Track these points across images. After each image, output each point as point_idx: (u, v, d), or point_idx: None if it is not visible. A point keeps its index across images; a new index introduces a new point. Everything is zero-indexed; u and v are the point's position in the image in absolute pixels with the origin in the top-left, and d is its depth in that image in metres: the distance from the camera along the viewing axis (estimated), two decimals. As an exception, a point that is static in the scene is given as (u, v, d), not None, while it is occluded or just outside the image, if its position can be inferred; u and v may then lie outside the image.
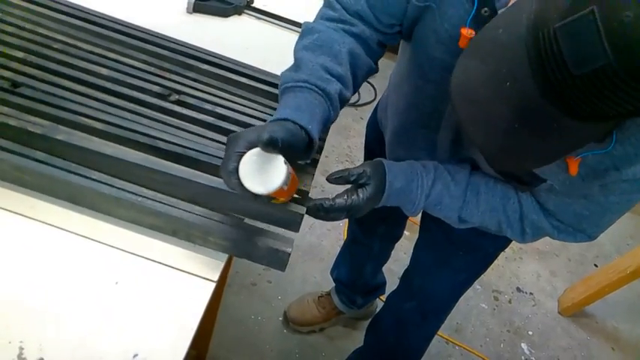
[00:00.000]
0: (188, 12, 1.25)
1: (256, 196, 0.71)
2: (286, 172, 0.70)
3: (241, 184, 0.70)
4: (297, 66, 0.86)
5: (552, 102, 0.56)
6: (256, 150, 0.70)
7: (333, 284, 1.93)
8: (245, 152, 0.71)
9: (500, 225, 0.96)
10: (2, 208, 0.79)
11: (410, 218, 1.65)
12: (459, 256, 1.27)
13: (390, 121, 1.19)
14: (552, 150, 0.66)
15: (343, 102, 0.88)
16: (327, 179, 0.91)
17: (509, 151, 0.66)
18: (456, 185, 0.95)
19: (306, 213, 0.86)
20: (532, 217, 0.93)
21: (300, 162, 0.90)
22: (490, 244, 1.23)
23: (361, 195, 0.88)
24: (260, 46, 1.21)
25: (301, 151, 0.79)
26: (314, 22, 0.92)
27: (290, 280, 2.09)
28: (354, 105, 2.90)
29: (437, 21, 0.83)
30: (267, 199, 0.73)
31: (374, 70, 0.97)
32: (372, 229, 1.62)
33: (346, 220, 1.89)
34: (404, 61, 1.04)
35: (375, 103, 1.43)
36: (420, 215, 1.35)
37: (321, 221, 2.23)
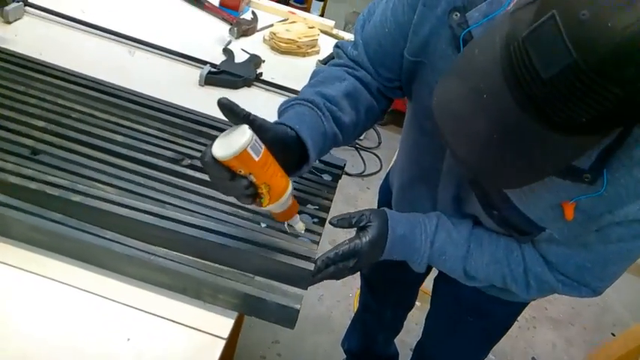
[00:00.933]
0: (200, 85, 1.32)
1: (234, 177, 0.70)
2: (250, 135, 0.69)
3: (212, 159, 0.69)
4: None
5: (528, 111, 0.59)
6: (228, 129, 0.72)
7: (344, 356, 1.89)
8: None
9: (505, 279, 0.96)
10: (16, 267, 0.81)
11: (422, 288, 1.64)
12: (471, 323, 1.25)
13: (396, 180, 1.22)
14: (535, 165, 0.66)
15: (341, 125, 0.89)
16: (329, 222, 0.93)
17: (493, 166, 0.67)
18: (459, 233, 0.96)
19: (316, 275, 0.87)
20: (536, 269, 0.93)
21: (302, 174, 0.87)
22: (501, 310, 1.21)
23: (364, 238, 0.90)
24: (268, 113, 1.26)
25: (294, 150, 0.80)
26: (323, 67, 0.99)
27: (299, 352, 2.06)
28: (360, 175, 2.94)
29: (429, 74, 0.88)
30: (246, 184, 0.71)
31: (377, 114, 1.00)
32: (384, 296, 1.61)
33: (357, 290, 1.88)
34: (406, 119, 1.09)
35: (381, 173, 1.48)
36: (431, 284, 1.36)
37: (330, 292, 2.21)
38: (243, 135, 0.69)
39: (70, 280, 0.81)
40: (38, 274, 0.81)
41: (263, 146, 0.72)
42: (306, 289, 0.88)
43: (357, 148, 3.07)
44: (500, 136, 0.62)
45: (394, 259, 0.96)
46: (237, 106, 0.71)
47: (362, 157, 3.03)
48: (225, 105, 0.70)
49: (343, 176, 1.17)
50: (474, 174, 0.73)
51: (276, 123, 0.81)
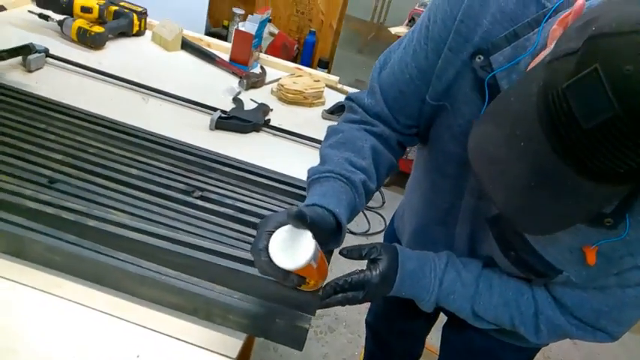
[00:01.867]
0: (211, 129, 1.37)
1: (287, 276, 0.72)
2: (314, 247, 0.71)
3: (271, 262, 0.71)
4: (323, 161, 0.92)
5: (565, 159, 0.59)
6: (286, 227, 0.72)
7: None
8: (274, 231, 0.73)
9: (513, 320, 0.94)
10: (31, 287, 0.82)
11: (427, 346, 1.62)
12: None
13: (407, 224, 1.22)
14: (569, 211, 0.66)
15: (368, 193, 0.92)
16: (339, 253, 0.93)
17: (527, 210, 0.68)
18: (468, 272, 0.95)
19: (324, 300, 0.87)
20: (548, 312, 0.91)
21: (331, 249, 0.91)
22: (511, 357, 1.18)
23: (374, 271, 0.90)
24: (275, 155, 1.30)
25: (329, 234, 0.81)
26: (338, 124, 1.00)
27: (305, 410, 2.01)
28: (364, 234, 2.95)
29: (451, 118, 0.89)
30: (298, 281, 0.74)
31: (395, 167, 1.02)
32: (390, 348, 1.59)
33: (362, 349, 1.85)
34: (420, 164, 1.09)
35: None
36: (437, 342, 1.34)
37: (335, 350, 2.17)
38: (308, 248, 0.70)
39: (84, 300, 0.82)
40: (53, 293, 0.82)
41: (320, 251, 0.74)
42: (314, 314, 0.88)
43: (361, 208, 3.09)
44: (537, 183, 0.63)
45: (402, 296, 0.95)
46: (306, 215, 0.72)
47: (366, 217, 3.05)
48: (296, 216, 0.70)
49: (348, 235, 1.18)
50: (509, 218, 0.72)
51: (314, 203, 0.82)
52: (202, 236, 0.93)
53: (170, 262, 0.86)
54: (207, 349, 0.80)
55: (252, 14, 1.72)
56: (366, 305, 1.58)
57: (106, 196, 0.96)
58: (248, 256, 0.88)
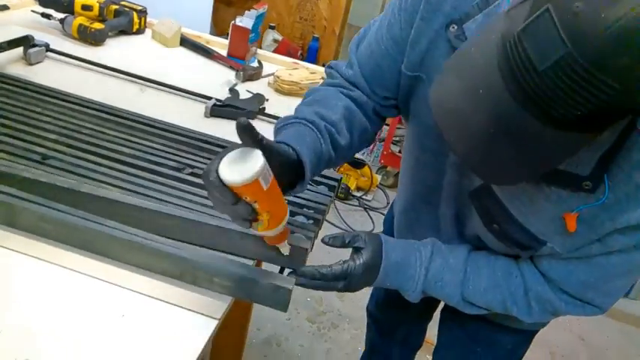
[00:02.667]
0: (206, 116, 1.39)
1: (237, 202, 0.68)
2: (263, 164, 0.67)
3: (219, 182, 0.66)
4: (293, 115, 0.92)
5: (525, 105, 0.60)
6: (238, 149, 0.69)
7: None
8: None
9: (505, 303, 0.94)
10: (23, 253, 0.84)
11: (427, 339, 1.62)
12: (478, 354, 1.23)
13: (397, 204, 1.23)
14: (531, 160, 0.67)
15: (336, 146, 0.90)
16: (322, 240, 0.92)
17: (489, 160, 0.68)
18: (455, 259, 0.95)
19: (302, 278, 0.86)
20: (537, 288, 0.91)
21: (297, 193, 0.87)
22: (509, 340, 1.19)
23: (357, 261, 0.89)
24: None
25: (292, 170, 0.79)
26: (316, 87, 1.01)
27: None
28: (370, 234, 2.96)
29: (427, 90, 0.86)
30: (249, 210, 0.70)
31: (370, 136, 1.02)
32: (391, 335, 1.59)
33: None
34: (406, 139, 1.10)
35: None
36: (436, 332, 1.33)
37: (338, 346, 2.18)
38: (256, 163, 0.67)
39: (74, 266, 0.84)
40: (45, 260, 0.84)
41: (272, 175, 0.70)
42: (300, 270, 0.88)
43: (365, 209, 3.11)
44: (497, 131, 0.63)
45: (387, 287, 0.95)
46: (254, 128, 0.69)
47: (371, 218, 3.06)
48: (244, 125, 0.67)
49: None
50: (472, 169, 0.73)
51: (277, 141, 0.81)
52: (190, 209, 0.95)
53: (157, 225, 0.88)
54: (192, 311, 0.82)
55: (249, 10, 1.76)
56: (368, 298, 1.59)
57: (98, 172, 0.99)
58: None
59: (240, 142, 0.70)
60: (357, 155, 3.20)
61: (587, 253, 0.84)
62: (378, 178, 3.27)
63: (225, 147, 1.16)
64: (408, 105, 0.97)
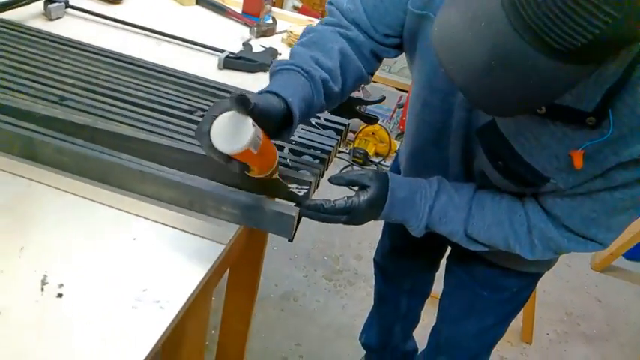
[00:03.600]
0: (219, 68, 1.43)
1: (229, 161, 0.72)
2: (253, 133, 0.70)
3: (212, 146, 0.71)
4: (289, 57, 0.93)
5: (524, 36, 0.62)
6: (229, 113, 0.72)
7: (364, 352, 1.89)
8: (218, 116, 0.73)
9: (508, 240, 0.95)
10: (45, 184, 0.90)
11: (432, 293, 1.65)
12: (484, 298, 1.26)
13: (405, 148, 1.24)
14: (531, 92, 0.68)
15: (329, 93, 0.92)
16: (328, 180, 0.95)
17: (489, 91, 0.69)
18: (460, 197, 0.97)
19: (306, 211, 0.89)
20: (540, 226, 0.93)
21: (283, 141, 0.92)
22: (514, 283, 1.22)
23: (362, 197, 0.91)
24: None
25: (280, 121, 0.81)
26: (315, 25, 1.02)
27: (322, 357, 2.06)
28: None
29: None
30: (240, 166, 0.74)
31: (365, 78, 1.03)
32: (398, 285, 1.63)
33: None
34: (415, 84, 1.10)
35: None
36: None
37: (354, 301, 2.22)
38: (246, 133, 0.70)
39: (90, 195, 0.89)
40: (63, 189, 0.89)
41: (261, 137, 0.74)
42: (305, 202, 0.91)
43: (383, 173, 3.11)
44: (498, 62, 0.64)
45: (391, 221, 0.98)
46: (248, 99, 0.70)
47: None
48: (238, 98, 0.69)
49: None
50: (471, 100, 0.74)
51: (270, 90, 0.83)
52: (199, 146, 0.98)
53: (169, 159, 0.93)
54: (200, 236, 0.86)
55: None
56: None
57: (113, 112, 1.03)
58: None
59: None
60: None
61: (591, 189, 0.86)
62: (397, 144, 3.28)
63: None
64: (415, 45, 0.98)
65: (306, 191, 0.92)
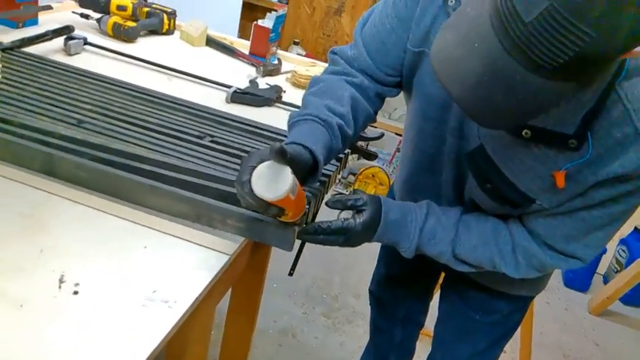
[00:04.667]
0: (227, 102, 1.51)
1: (267, 207, 0.81)
2: (292, 181, 0.79)
3: (253, 193, 0.79)
4: (304, 107, 1.01)
5: (512, 53, 0.69)
6: (267, 163, 0.80)
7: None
8: (257, 166, 0.81)
9: (494, 259, 1.01)
10: (63, 197, 0.95)
11: (423, 330, 1.69)
12: (476, 321, 1.30)
13: (399, 174, 1.31)
14: (519, 106, 0.74)
15: (345, 137, 1.00)
16: (326, 204, 1.01)
17: (480, 103, 0.76)
18: (448, 219, 1.03)
19: (304, 235, 0.96)
20: (524, 244, 0.99)
21: (309, 186, 1.00)
22: (505, 306, 1.27)
23: (358, 219, 0.97)
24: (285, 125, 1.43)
25: (307, 170, 0.90)
26: (320, 75, 1.11)
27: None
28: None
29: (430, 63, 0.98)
30: (277, 211, 0.83)
31: (372, 118, 1.11)
32: (393, 313, 1.66)
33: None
34: (408, 113, 1.17)
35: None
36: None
37: (352, 339, 2.23)
38: (286, 181, 0.78)
39: (104, 208, 0.95)
40: (79, 202, 0.95)
41: (298, 184, 0.82)
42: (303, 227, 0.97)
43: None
44: (490, 77, 0.72)
45: (384, 242, 1.04)
46: (286, 151, 0.77)
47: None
48: (278, 150, 0.76)
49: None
50: (465, 110, 0.80)
51: (293, 141, 0.91)
52: (208, 167, 1.05)
53: (178, 181, 0.99)
54: (206, 247, 0.91)
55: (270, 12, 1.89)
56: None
57: (126, 135, 1.10)
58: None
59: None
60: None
61: (571, 208, 0.92)
62: (397, 187, 3.35)
63: (243, 124, 1.28)
64: (412, 79, 1.05)
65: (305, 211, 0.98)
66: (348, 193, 3.38)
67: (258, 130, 1.26)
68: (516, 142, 0.91)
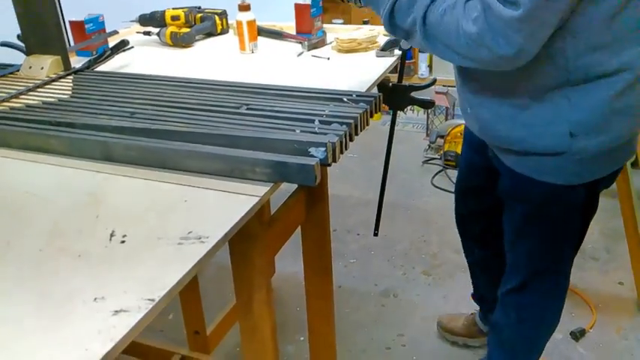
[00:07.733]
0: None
1: None
2: None
3: None
4: None
5: None
6: None
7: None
8: None
9: (459, 22, 1.08)
10: (119, 175, 1.11)
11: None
12: (520, 215, 1.41)
13: None
14: None
15: None
16: None
17: None
18: None
19: None
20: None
21: None
22: (535, 194, 1.33)
23: None
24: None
25: None
26: None
27: (425, 345, 2.10)
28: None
29: None
30: None
31: None
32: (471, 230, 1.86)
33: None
34: None
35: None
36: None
37: (455, 292, 2.26)
38: None
39: (152, 177, 1.09)
40: (133, 176, 1.10)
41: None
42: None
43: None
44: None
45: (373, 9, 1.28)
46: None
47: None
48: None
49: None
50: None
51: None
52: (241, 129, 1.16)
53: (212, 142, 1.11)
54: (237, 193, 1.02)
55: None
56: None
57: (170, 116, 1.24)
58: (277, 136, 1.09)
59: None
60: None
61: None
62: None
63: (278, 89, 1.37)
64: None
65: (323, 151, 1.05)
66: (439, 156, 3.37)
67: (290, 92, 1.35)
68: None
